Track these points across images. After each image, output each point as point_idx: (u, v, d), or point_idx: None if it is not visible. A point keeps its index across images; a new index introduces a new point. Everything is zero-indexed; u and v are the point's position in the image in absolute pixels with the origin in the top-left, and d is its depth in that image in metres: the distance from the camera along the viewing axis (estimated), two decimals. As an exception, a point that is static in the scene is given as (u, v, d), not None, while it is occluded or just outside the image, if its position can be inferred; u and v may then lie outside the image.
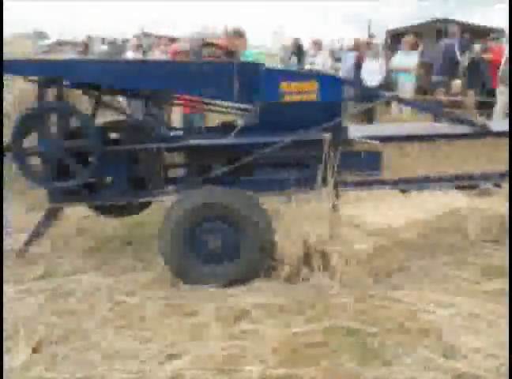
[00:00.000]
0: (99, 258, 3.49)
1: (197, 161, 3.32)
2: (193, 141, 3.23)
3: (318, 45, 10.89)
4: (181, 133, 3.71)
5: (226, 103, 3.71)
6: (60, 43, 16.29)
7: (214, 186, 3.05)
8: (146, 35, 13.16)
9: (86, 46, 13.38)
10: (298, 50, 11.71)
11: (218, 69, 3.27)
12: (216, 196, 2.98)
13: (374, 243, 3.32)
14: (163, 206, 3.32)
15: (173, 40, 11.07)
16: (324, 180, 3.16)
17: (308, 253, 3.02)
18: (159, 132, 3.37)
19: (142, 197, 3.32)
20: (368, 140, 3.27)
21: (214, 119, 5.39)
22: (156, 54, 8.00)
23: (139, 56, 8.20)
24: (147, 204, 3.75)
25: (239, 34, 5.17)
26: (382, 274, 3.13)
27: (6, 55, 5.46)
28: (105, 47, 13.66)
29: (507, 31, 8.04)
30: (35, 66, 3.28)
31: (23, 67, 3.30)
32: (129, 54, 8.72)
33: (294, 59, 9.76)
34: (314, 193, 3.16)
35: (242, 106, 3.55)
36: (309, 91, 3.19)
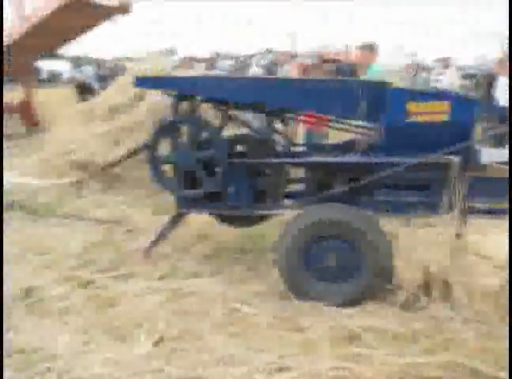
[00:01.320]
0: (216, 264, 3.64)
1: (318, 178, 3.34)
2: (315, 158, 3.26)
3: (444, 62, 10.41)
4: (304, 149, 3.77)
5: (350, 121, 3.69)
6: (188, 59, 17.44)
7: (335, 204, 3.04)
8: (269, 51, 13.57)
9: (213, 61, 14.15)
10: (422, 68, 11.29)
11: (345, 86, 3.27)
12: (337, 213, 2.97)
13: (502, 278, 3.05)
14: (283, 219, 3.38)
15: (294, 56, 11.26)
16: (450, 205, 3.00)
17: (428, 280, 2.87)
18: (283, 147, 3.45)
19: (262, 210, 3.42)
20: (502, 166, 3.04)
21: (336, 136, 5.39)
22: (281, 70, 8.21)
23: (263, 72, 8.48)
24: (267, 216, 3.85)
25: (370, 48, 5.10)
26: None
27: (142, 71, 6.00)
28: (230, 63, 14.33)
29: None
30: (172, 82, 3.55)
31: (161, 82, 3.60)
32: (254, 70, 9.06)
33: (421, 77, 9.42)
34: (438, 219, 3.01)
35: (367, 125, 3.51)
36: (438, 112, 3.06)
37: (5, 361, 2.53)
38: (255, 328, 2.77)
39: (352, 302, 2.94)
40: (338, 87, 3.24)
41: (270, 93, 3.22)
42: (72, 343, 2.67)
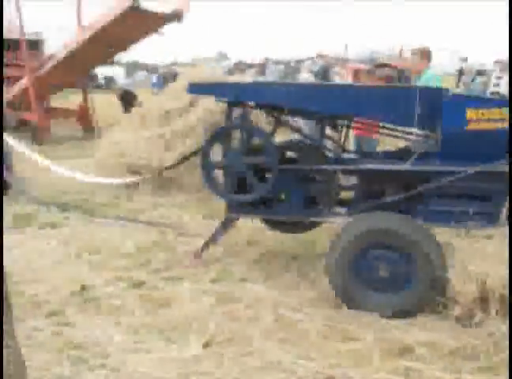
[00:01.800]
0: (265, 270, 3.65)
1: (371, 185, 3.29)
2: (369, 165, 3.21)
3: (503, 65, 9.93)
4: (356, 155, 3.73)
5: (403, 128, 3.62)
6: (239, 64, 17.65)
7: (388, 213, 2.98)
8: (320, 56, 13.50)
9: (262, 67, 14.22)
10: (479, 72, 10.88)
11: (399, 93, 3.21)
12: (390, 222, 2.91)
13: None
14: (333, 226, 3.34)
15: (346, 61, 11.17)
16: (510, 216, 2.87)
17: (485, 295, 2.75)
18: (334, 154, 3.42)
19: (313, 217, 3.40)
20: None
21: (387, 143, 5.30)
22: (333, 76, 8.14)
23: (314, 77, 8.43)
24: (318, 223, 3.82)
25: (423, 54, 4.97)
26: None
27: (196, 77, 6.11)
28: (280, 68, 14.36)
29: None
30: (224, 88, 3.60)
31: (213, 89, 3.64)
32: (304, 76, 9.02)
33: (477, 82, 9.04)
34: (495, 230, 2.90)
35: (421, 132, 3.42)
36: (499, 119, 2.95)
37: (61, 355, 2.63)
38: (305, 335, 2.75)
39: (404, 313, 2.87)
40: (392, 94, 3.18)
41: (323, 99, 3.21)
42: (124, 342, 2.75)
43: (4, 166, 5.87)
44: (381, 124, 3.82)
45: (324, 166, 3.30)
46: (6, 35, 12.38)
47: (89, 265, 3.85)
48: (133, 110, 7.18)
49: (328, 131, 4.06)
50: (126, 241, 4.33)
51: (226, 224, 3.61)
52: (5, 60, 12.43)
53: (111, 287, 3.46)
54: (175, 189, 5.84)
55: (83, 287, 3.42)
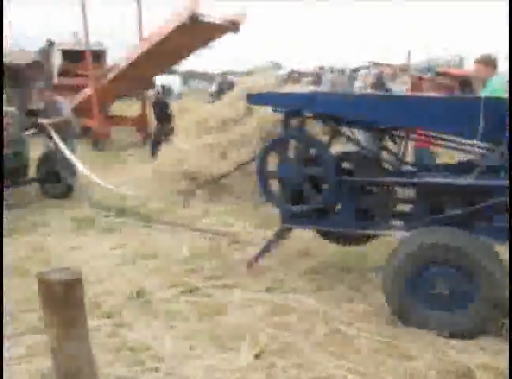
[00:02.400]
0: (318, 282, 3.61)
1: (430, 199, 3.18)
2: (429, 179, 3.11)
3: None
4: (415, 168, 3.63)
5: (462, 140, 3.49)
6: (294, 73, 17.66)
7: (450, 228, 2.87)
8: (375, 64, 13.29)
9: (318, 75, 14.17)
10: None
11: (463, 104, 3.10)
12: (452, 238, 2.79)
13: None
14: (388, 239, 3.26)
15: (403, 70, 10.93)
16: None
17: (554, 318, 2.59)
18: (392, 166, 3.34)
19: (369, 229, 3.33)
20: None
21: (445, 155, 5.13)
22: (391, 85, 7.97)
23: (370, 87, 8.29)
24: (372, 236, 3.74)
25: (486, 61, 4.76)
26: None
27: (254, 86, 6.14)
28: (335, 77, 14.24)
29: None
30: (287, 98, 3.60)
31: (275, 99, 3.65)
32: (359, 84, 8.91)
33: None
34: None
35: (485, 145, 3.29)
36: None
37: (116, 356, 2.70)
38: (357, 350, 2.70)
39: (463, 334, 2.75)
40: (455, 105, 3.07)
41: (383, 110, 3.14)
42: (177, 347, 2.79)
43: (60, 166, 6.19)
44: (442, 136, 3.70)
45: (382, 179, 3.22)
46: (73, 46, 13.04)
47: (145, 270, 3.96)
48: (189, 118, 7.30)
49: (387, 142, 3.98)
50: (181, 247, 4.42)
51: (280, 234, 3.61)
52: (71, 70, 13.13)
53: (165, 291, 3.53)
54: (229, 196, 5.89)
55: (139, 291, 3.51)
